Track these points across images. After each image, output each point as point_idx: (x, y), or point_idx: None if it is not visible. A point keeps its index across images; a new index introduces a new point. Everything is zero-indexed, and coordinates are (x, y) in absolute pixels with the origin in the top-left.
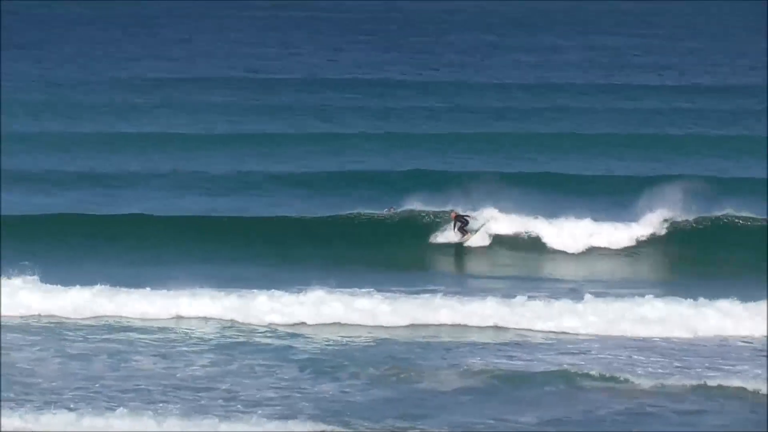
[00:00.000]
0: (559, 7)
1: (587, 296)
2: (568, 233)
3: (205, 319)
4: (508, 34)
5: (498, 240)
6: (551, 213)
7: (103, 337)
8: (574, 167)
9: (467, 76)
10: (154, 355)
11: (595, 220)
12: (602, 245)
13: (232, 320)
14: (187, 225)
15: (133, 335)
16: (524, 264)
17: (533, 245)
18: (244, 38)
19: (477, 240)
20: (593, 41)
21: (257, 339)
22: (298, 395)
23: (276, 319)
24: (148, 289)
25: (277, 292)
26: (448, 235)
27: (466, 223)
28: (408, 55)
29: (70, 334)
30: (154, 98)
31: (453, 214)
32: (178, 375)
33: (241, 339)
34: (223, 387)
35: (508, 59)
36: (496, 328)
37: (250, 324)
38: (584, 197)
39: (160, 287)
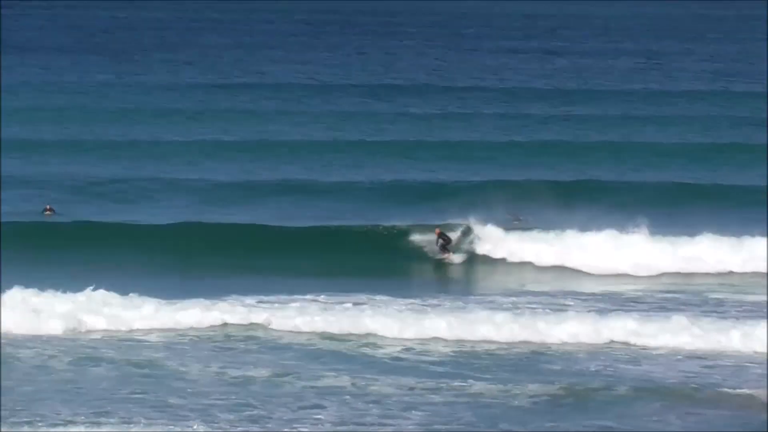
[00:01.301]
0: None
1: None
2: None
3: (327, 333)
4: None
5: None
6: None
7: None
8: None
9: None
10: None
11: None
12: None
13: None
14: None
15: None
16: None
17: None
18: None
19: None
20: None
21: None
22: (460, 402)
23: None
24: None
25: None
26: (433, 250)
27: (449, 241)
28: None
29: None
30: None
31: (437, 231)
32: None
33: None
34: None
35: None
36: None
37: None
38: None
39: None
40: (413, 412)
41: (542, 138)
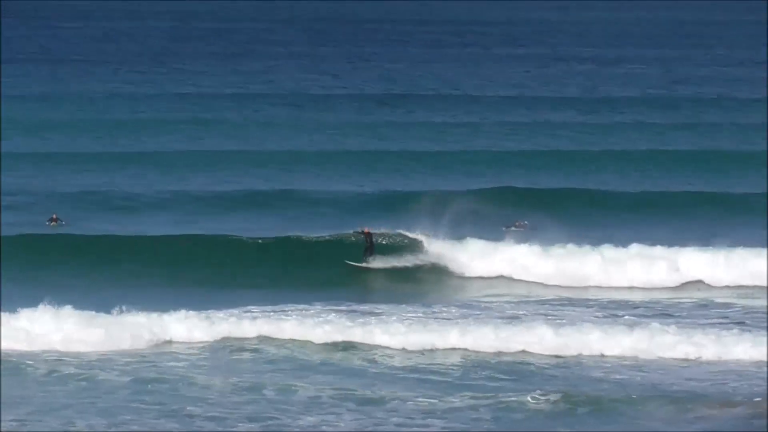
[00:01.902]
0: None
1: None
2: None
3: (336, 342)
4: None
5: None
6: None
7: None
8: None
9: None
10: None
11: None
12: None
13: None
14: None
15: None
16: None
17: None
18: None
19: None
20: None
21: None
22: (478, 408)
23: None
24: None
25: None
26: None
27: (372, 245)
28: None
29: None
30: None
31: (366, 231)
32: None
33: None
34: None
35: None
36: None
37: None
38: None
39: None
40: (430, 419)
41: (545, 145)
